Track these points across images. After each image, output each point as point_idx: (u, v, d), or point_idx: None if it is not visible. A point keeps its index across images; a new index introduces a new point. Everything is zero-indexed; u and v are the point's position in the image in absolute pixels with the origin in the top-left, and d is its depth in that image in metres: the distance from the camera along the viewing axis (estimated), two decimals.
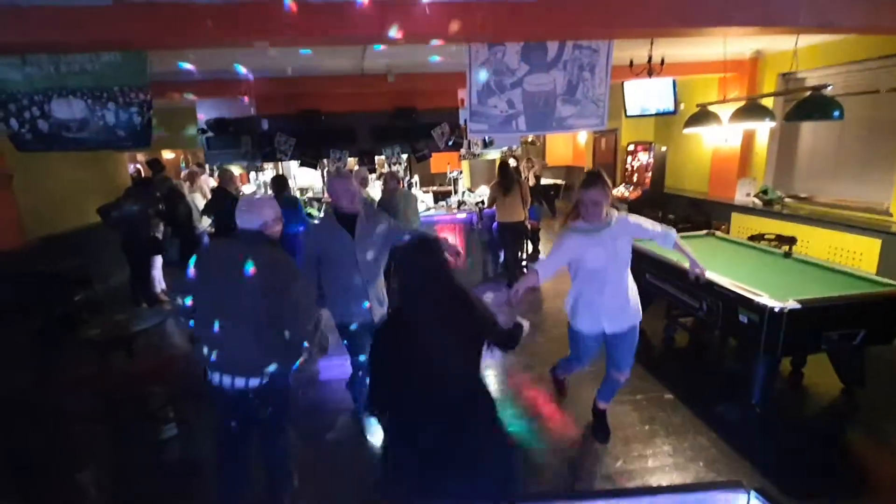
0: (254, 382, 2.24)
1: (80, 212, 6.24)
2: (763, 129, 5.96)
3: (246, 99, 6.34)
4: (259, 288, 2.15)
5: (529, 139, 12.03)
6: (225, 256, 2.26)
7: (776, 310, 2.98)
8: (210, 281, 2.25)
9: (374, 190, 6.94)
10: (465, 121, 3.66)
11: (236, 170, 7.52)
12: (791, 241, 4.59)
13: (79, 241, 6.17)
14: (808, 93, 3.84)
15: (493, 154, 8.42)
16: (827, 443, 3.13)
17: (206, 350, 2.28)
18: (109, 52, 3.03)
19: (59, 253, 5.78)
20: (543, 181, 10.72)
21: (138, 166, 10.48)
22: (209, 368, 2.31)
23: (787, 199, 5.84)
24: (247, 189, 9.19)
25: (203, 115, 7.01)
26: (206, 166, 9.07)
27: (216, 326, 2.24)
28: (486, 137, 7.02)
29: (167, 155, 11.27)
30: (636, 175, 7.71)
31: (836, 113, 3.58)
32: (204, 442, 3.46)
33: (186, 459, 3.27)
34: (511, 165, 6.04)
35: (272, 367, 2.25)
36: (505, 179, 5.69)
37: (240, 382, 2.24)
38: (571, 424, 3.33)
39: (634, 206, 7.41)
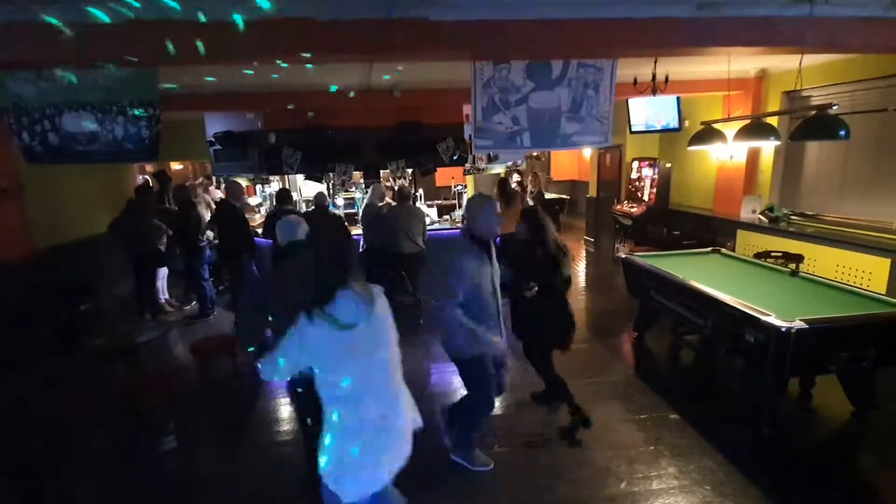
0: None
1: (86, 221, 6.30)
2: (768, 147, 5.96)
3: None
4: None
5: (534, 154, 12.09)
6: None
7: (783, 330, 2.93)
8: None
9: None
10: (470, 136, 3.68)
11: (243, 182, 7.58)
12: (798, 258, 4.55)
13: (85, 251, 6.22)
14: (813, 112, 3.84)
15: (498, 169, 8.44)
16: (837, 467, 3.05)
17: None
18: (122, 67, 3.09)
19: (65, 262, 5.83)
20: (548, 195, 10.74)
21: (146, 177, 10.58)
22: None
23: (793, 217, 5.80)
24: (252, 201, 9.26)
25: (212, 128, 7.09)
26: (214, 178, 9.16)
27: None
28: (491, 152, 7.05)
29: (175, 166, 11.39)
30: (641, 191, 7.70)
31: (843, 132, 3.57)
32: (203, 455, 3.44)
33: (185, 472, 3.24)
34: (513, 181, 6.38)
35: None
36: (504, 195, 6.06)
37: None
38: (574, 443, 3.28)
39: (639, 222, 7.40)
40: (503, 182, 6.27)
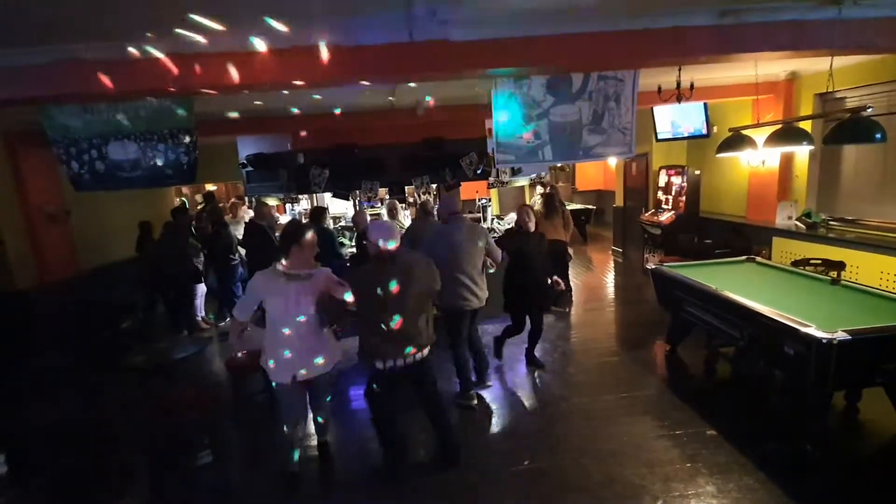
0: None
1: (127, 243, 6.61)
2: (802, 151, 5.77)
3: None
4: None
5: (559, 164, 12.05)
6: None
7: (824, 341, 2.81)
8: None
9: (405, 219, 7.10)
10: (493, 150, 3.72)
11: (271, 201, 7.82)
12: (839, 266, 4.36)
13: (126, 271, 6.52)
14: (847, 115, 3.71)
15: (522, 181, 8.44)
16: (886, 485, 2.89)
17: None
18: (161, 98, 3.28)
19: (107, 282, 6.13)
20: (573, 206, 10.67)
21: (183, 199, 11.05)
22: None
23: (832, 222, 5.58)
24: (284, 220, 9.51)
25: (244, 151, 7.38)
26: (246, 198, 9.46)
27: None
28: (514, 166, 7.09)
29: (209, 187, 11.86)
30: (669, 199, 7.55)
31: (878, 135, 3.43)
32: (238, 469, 3.52)
33: (221, 487, 3.31)
34: (537, 193, 6.65)
35: None
36: (547, 207, 6.51)
37: None
38: (606, 460, 3.21)
39: (669, 231, 7.25)
40: (549, 196, 6.67)
